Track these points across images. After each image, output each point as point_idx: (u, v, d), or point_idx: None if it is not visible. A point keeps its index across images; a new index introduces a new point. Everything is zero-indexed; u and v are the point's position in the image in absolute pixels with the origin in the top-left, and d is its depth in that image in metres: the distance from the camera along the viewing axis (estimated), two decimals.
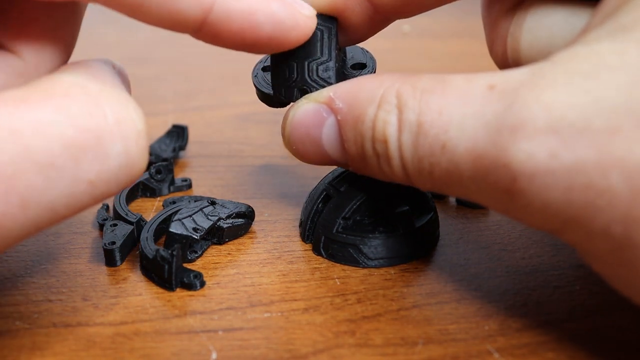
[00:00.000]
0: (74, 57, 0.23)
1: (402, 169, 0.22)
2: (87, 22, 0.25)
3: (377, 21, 0.26)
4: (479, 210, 0.32)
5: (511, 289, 0.25)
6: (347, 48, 0.28)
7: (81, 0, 0.21)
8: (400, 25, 0.65)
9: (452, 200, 0.33)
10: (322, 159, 0.24)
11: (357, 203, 0.27)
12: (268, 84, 0.27)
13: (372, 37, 0.27)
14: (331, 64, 0.25)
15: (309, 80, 0.25)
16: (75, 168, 0.18)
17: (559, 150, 0.18)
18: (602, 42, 0.19)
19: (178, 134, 0.38)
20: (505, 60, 0.25)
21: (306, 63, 0.25)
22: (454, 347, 0.22)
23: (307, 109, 0.24)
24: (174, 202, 0.31)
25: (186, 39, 0.24)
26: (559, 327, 0.23)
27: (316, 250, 0.28)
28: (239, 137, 0.41)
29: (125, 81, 0.22)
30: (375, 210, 0.27)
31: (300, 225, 0.29)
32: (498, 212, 0.21)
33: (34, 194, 0.17)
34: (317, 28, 0.24)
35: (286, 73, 0.25)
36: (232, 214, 0.29)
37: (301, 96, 0.25)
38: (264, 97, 0.27)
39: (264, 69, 0.28)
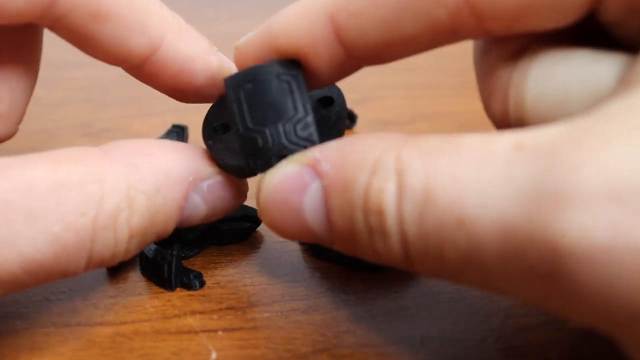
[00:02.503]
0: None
1: (401, 248, 0.17)
2: None
3: (347, 67, 0.22)
4: None
5: None
6: None
7: (37, 24, 0.22)
8: None
9: None
10: (303, 233, 0.20)
11: None
12: (231, 151, 0.22)
13: None
14: (309, 118, 0.20)
15: (287, 144, 0.20)
16: (57, 264, 0.19)
17: (625, 224, 0.14)
18: None
19: (178, 134, 0.38)
20: (506, 117, 0.20)
21: (280, 126, 0.20)
22: (454, 347, 0.22)
23: (286, 171, 0.19)
24: None
25: None
26: (560, 327, 0.23)
27: (314, 252, 0.28)
28: None
29: (207, 197, 0.22)
30: None
31: None
32: (529, 304, 0.17)
33: (14, 283, 0.19)
34: (281, 80, 0.21)
35: (258, 142, 0.21)
36: (237, 216, 0.29)
37: None
38: (232, 169, 0.22)
39: (216, 130, 0.23)
